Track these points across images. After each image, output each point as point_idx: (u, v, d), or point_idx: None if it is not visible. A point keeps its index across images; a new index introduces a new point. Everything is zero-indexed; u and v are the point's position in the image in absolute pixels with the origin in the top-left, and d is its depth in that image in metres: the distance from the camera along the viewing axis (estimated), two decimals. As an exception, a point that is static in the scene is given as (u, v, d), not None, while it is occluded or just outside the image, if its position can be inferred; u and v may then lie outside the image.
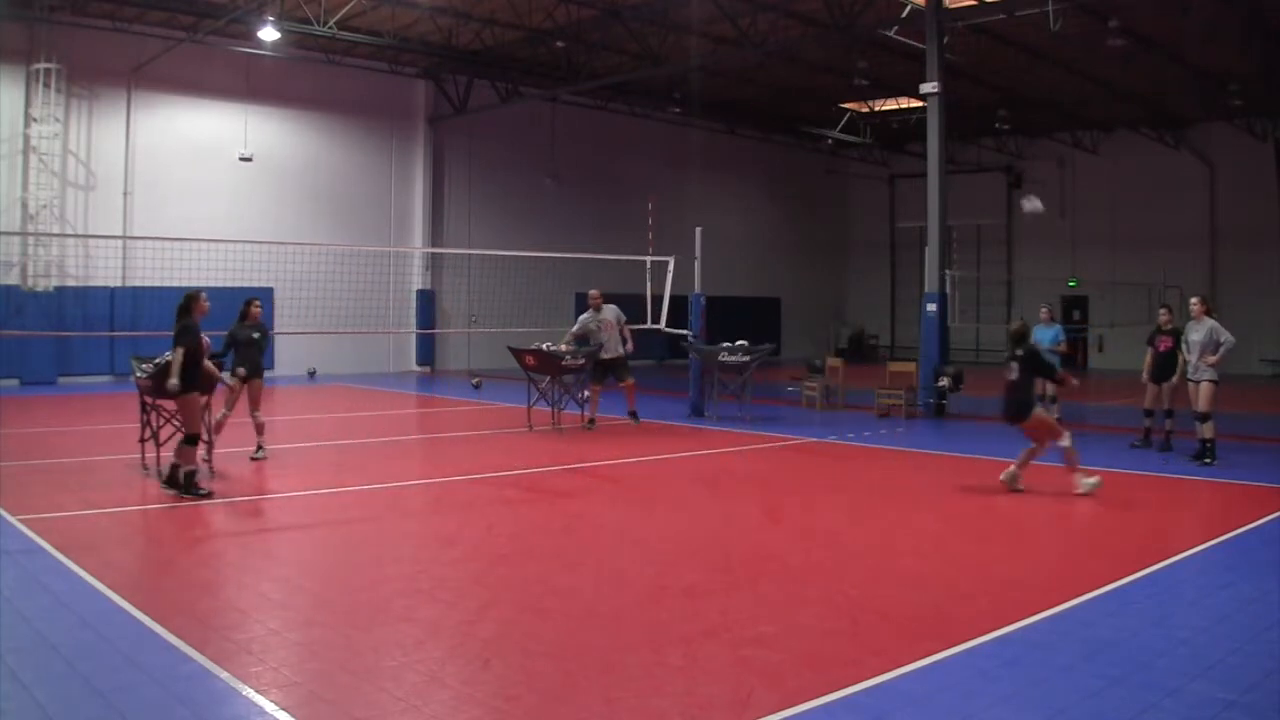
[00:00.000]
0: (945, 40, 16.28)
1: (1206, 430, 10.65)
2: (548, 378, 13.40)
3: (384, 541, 7.14)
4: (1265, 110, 24.87)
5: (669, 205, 22.98)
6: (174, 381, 8.16)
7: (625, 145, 28.61)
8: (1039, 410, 9.16)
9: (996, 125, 27.46)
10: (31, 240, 19.48)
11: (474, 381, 19.64)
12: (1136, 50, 19.58)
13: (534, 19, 20.26)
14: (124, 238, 19.85)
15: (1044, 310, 14.67)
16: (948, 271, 16.23)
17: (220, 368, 9.65)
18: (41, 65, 19.29)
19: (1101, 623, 5.23)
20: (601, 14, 20.06)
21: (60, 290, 19.73)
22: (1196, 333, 10.96)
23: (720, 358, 14.61)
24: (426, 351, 25.27)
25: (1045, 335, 13.64)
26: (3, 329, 18.00)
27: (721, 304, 21.70)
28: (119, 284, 20.23)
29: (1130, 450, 11.74)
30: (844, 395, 17.19)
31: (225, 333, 10.33)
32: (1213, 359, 10.78)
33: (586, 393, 13.87)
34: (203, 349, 8.57)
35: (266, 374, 11.68)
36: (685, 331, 15.59)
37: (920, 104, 19.38)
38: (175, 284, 11.71)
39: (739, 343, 14.59)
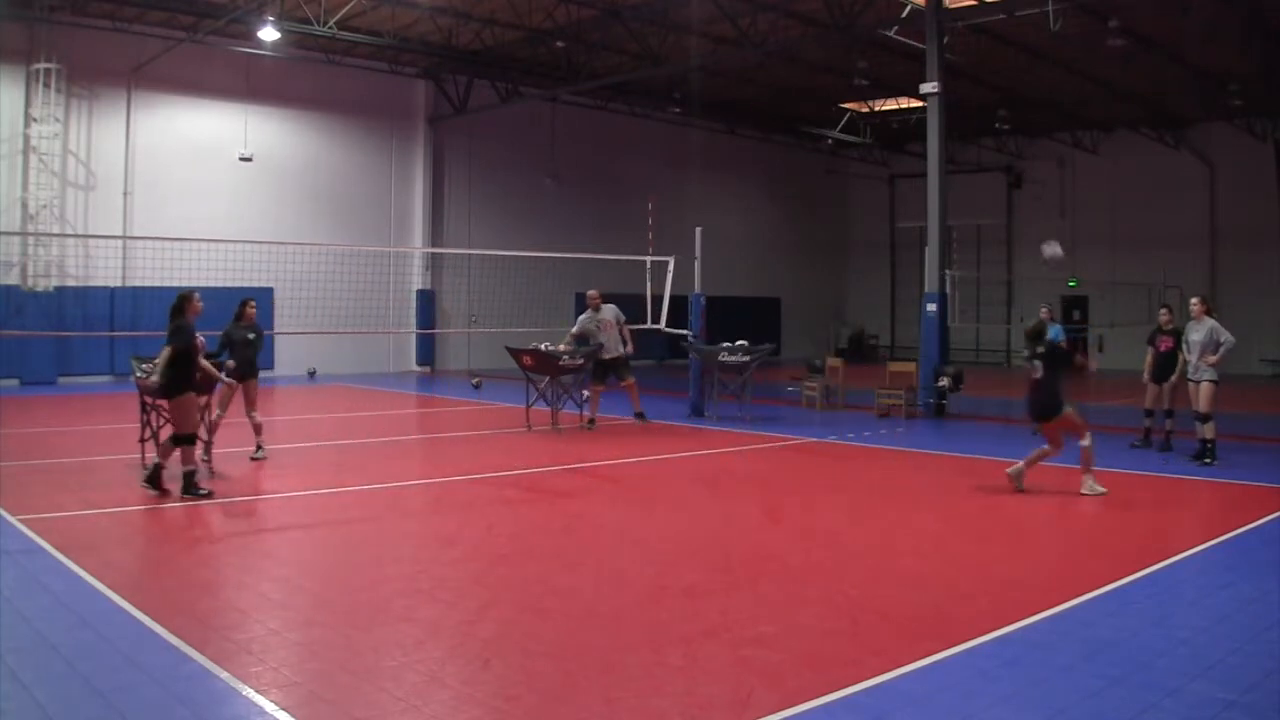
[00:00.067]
0: (945, 40, 16.28)
1: (1207, 430, 10.65)
2: (546, 378, 13.42)
3: (384, 541, 7.13)
4: (1265, 110, 24.86)
5: (669, 205, 22.97)
6: (154, 378, 8.21)
7: (625, 145, 28.60)
8: (1069, 409, 8.87)
9: (996, 125, 27.45)
10: (31, 240, 19.48)
11: (474, 381, 19.63)
12: (1136, 50, 19.57)
13: (534, 19, 20.26)
14: (124, 238, 19.84)
15: (1044, 310, 14.65)
16: (948, 271, 16.22)
17: (219, 368, 9.65)
18: (41, 65, 19.29)
19: (1101, 623, 5.23)
20: (601, 14, 20.06)
21: (60, 290, 19.72)
22: (1197, 333, 10.97)
23: (720, 358, 14.62)
24: (426, 351, 25.27)
25: (1045, 335, 13.64)
26: (3, 329, 18.00)
27: (721, 304, 21.69)
28: (119, 284, 20.22)
29: (1130, 450, 11.74)
30: (844, 395, 17.19)
31: (220, 332, 10.34)
32: (1213, 359, 10.78)
33: (586, 393, 13.89)
34: (197, 349, 8.57)
35: (266, 374, 11.68)
36: (685, 331, 15.59)
37: (920, 104, 19.37)
38: (175, 284, 11.62)
39: (739, 343, 14.60)
